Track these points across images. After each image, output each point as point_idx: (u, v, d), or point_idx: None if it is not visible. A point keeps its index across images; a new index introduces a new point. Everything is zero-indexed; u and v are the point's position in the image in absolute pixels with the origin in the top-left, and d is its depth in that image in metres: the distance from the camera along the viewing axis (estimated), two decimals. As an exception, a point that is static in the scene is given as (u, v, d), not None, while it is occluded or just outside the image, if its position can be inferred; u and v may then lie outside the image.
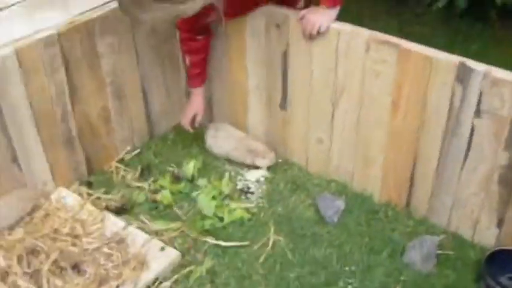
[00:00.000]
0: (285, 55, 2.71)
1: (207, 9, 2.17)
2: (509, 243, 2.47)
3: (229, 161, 3.01)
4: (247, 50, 2.84)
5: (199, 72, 2.93)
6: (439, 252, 2.50)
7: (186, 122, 3.04)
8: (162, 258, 2.46)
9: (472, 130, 2.33)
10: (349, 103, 2.60)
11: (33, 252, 2.42)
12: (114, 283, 2.36)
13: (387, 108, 2.51)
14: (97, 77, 2.78)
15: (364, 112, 2.59)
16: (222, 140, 3.04)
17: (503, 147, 2.30)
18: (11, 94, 2.48)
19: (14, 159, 2.60)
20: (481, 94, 2.24)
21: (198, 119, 3.03)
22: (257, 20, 2.71)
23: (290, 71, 2.72)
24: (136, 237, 2.56)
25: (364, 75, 2.51)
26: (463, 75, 2.26)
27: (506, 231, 2.48)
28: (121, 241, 2.54)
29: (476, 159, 2.39)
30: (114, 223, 2.63)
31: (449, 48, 2.40)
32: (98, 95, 2.82)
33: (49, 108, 2.64)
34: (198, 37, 2.82)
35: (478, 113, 2.28)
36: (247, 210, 2.71)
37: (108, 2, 2.73)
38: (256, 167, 2.94)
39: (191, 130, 3.05)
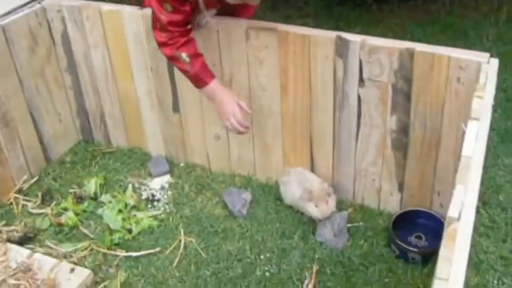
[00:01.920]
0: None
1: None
2: (412, 205, 2.55)
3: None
4: (131, 56, 2.80)
5: (202, 61, 2.38)
6: (350, 225, 2.55)
7: (237, 121, 2.37)
8: (73, 279, 2.38)
9: (359, 99, 2.39)
10: (240, 95, 2.60)
11: None
12: (25, 313, 2.27)
13: (277, 93, 2.54)
14: (-20, 105, 2.68)
15: (256, 101, 2.61)
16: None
17: (390, 112, 2.36)
18: None
19: None
20: (361, 63, 2.30)
21: (245, 106, 2.40)
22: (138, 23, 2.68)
23: (176, 72, 2.70)
24: (44, 263, 2.46)
25: (249, 64, 2.53)
26: (341, 48, 2.31)
27: (407, 194, 2.56)
28: (27, 269, 2.43)
29: (367, 127, 2.45)
30: (19, 253, 2.52)
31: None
32: (-16, 125, 2.72)
33: None
34: (182, 29, 2.34)
35: (361, 82, 2.34)
36: (154, 217, 2.67)
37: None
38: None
39: (246, 127, 2.41)
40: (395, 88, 2.30)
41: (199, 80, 2.40)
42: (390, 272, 2.37)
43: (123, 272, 2.43)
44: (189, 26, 2.37)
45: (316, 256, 2.44)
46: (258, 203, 2.70)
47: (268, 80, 2.52)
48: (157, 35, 2.35)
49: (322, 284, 2.32)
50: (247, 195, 2.68)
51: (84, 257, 2.53)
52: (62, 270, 2.42)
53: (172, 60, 2.39)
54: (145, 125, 3.00)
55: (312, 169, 2.68)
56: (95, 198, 2.82)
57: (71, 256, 2.52)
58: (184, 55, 2.33)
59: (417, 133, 2.37)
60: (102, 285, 2.39)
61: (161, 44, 2.36)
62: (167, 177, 2.91)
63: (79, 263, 2.48)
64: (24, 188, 2.93)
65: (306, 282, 2.32)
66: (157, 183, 2.89)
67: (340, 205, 2.65)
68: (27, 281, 2.37)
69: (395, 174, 2.52)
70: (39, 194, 2.87)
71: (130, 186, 2.85)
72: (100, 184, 2.87)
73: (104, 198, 2.80)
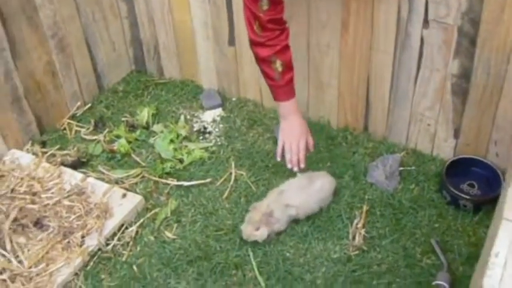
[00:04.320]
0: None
1: None
2: (466, 152, 2.51)
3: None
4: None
5: (292, 75, 2.28)
6: (401, 169, 2.53)
7: (297, 151, 2.31)
8: (125, 204, 2.43)
9: (422, 41, 2.33)
10: (298, 28, 2.56)
11: (-10, 214, 2.36)
12: (78, 234, 2.31)
13: (337, 30, 2.48)
14: (37, 30, 2.68)
15: (314, 38, 2.56)
16: None
17: (453, 56, 2.30)
18: None
19: (-39, 123, 2.52)
20: (427, 3, 2.23)
21: (311, 143, 2.38)
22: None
23: (234, 4, 2.66)
24: (97, 187, 2.51)
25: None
26: (408, -14, 2.25)
27: (462, 141, 2.51)
28: (81, 192, 2.49)
29: (428, 70, 2.39)
30: (72, 176, 2.57)
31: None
32: (41, 49, 2.73)
33: (-9, 67, 2.55)
34: (283, 26, 2.20)
35: (425, 23, 2.28)
36: (206, 149, 2.68)
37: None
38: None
39: (295, 168, 2.34)
40: (460, 31, 2.23)
41: (282, 93, 2.28)
42: (440, 218, 2.35)
43: (173, 200, 2.46)
44: (287, 25, 2.22)
45: (367, 197, 2.43)
46: (310, 142, 2.69)
47: (329, 16, 2.47)
48: (252, 35, 2.17)
49: (371, 225, 2.32)
50: (299, 133, 2.67)
51: (136, 183, 2.56)
52: (114, 195, 2.47)
53: (263, 63, 2.22)
54: (199, 58, 2.99)
55: (367, 111, 2.65)
56: (146, 127, 2.84)
57: (123, 182, 2.56)
58: (279, 63, 2.19)
59: (479, 79, 2.31)
60: (152, 211, 2.43)
61: (257, 44, 2.18)
62: (219, 111, 2.92)
63: (130, 189, 2.52)
64: (78, 115, 2.97)
65: (355, 221, 2.32)
66: (209, 116, 2.89)
67: (393, 148, 2.63)
68: (81, 203, 2.42)
69: (452, 120, 2.47)
70: (92, 121, 2.91)
71: (182, 117, 2.87)
72: (152, 114, 2.89)
73: (156, 127, 2.82)
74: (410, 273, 2.16)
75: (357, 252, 2.23)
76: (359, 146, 2.66)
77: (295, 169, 2.33)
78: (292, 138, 2.31)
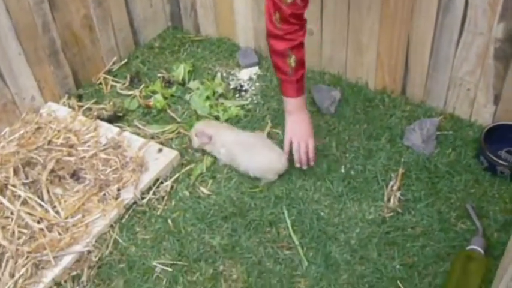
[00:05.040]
0: None
1: None
2: (506, 119, 2.47)
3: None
4: None
5: (304, 73, 2.27)
6: (439, 133, 2.50)
7: (306, 150, 2.31)
8: (160, 158, 2.44)
9: (466, 3, 2.28)
10: (338, -8, 2.53)
11: (29, 164, 2.39)
12: (114, 187, 2.34)
13: (379, -9, 2.45)
14: (76, -18, 2.69)
15: (355, -1, 2.53)
16: None
17: (498, 19, 2.25)
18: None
19: (-1, 74, 2.53)
20: (474, -36, 2.19)
21: (312, 145, 2.33)
22: None
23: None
24: (133, 141, 2.53)
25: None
26: None
27: (502, 108, 2.47)
28: (117, 146, 2.50)
29: (470, 34, 2.35)
30: (109, 130, 2.59)
31: None
32: (79, 2, 2.73)
33: (29, 19, 2.55)
34: (302, 22, 2.18)
35: (471, -16, 2.23)
36: (242, 107, 2.68)
37: None
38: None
39: (304, 167, 2.36)
40: (507, -7, 2.19)
41: (292, 89, 2.26)
42: (477, 184, 2.33)
43: (209, 157, 2.46)
44: (306, 22, 2.19)
45: (403, 160, 2.41)
46: (347, 102, 2.66)
47: (372, -24, 2.44)
48: (271, 26, 2.13)
49: (407, 187, 2.31)
50: (336, 93, 2.65)
51: (171, 139, 2.57)
52: (150, 150, 2.49)
53: (278, 56, 2.19)
54: (237, 16, 2.96)
55: (405, 74, 2.61)
56: (182, 83, 2.84)
57: (158, 137, 2.57)
58: (293, 58, 2.17)
59: (524, 44, 2.27)
60: (188, 167, 2.44)
61: (274, 36, 2.15)
62: (255, 69, 2.90)
63: (166, 144, 2.53)
64: (114, 70, 2.98)
65: (391, 183, 2.31)
66: (246, 74, 2.88)
67: (431, 112, 2.60)
68: (117, 157, 2.44)
69: (492, 85, 2.43)
70: (128, 76, 2.92)
71: (218, 74, 2.86)
72: (188, 71, 2.88)
73: (192, 84, 2.82)
74: (444, 237, 2.15)
75: (391, 214, 2.22)
76: (396, 109, 2.63)
77: (304, 167, 2.34)
78: (300, 137, 2.30)
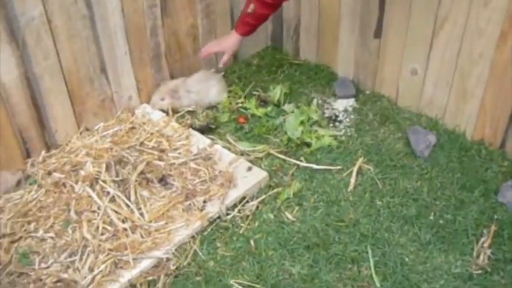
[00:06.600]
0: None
1: None
2: None
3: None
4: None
5: (254, 24, 2.60)
6: (537, 194, 2.41)
7: (205, 52, 2.75)
8: (249, 177, 2.43)
9: None
10: (451, 33, 2.47)
11: (120, 162, 2.42)
12: (201, 198, 2.34)
13: (494, 40, 2.38)
14: (189, -7, 2.73)
15: (467, 43, 2.47)
16: None
17: None
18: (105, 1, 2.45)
19: (103, 70, 2.58)
20: None
21: (225, 58, 2.70)
22: None
23: (387, -2, 2.62)
24: (224, 155, 2.53)
25: (471, 3, 2.38)
26: None
27: None
28: (208, 158, 2.51)
29: None
30: (201, 140, 2.60)
31: None
32: (189, 11, 2.77)
33: (140, 20, 2.60)
34: None
35: None
36: (335, 137, 2.65)
37: None
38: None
39: (202, 57, 2.80)
40: None
41: (240, 24, 2.61)
42: None
43: (297, 183, 2.44)
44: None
45: (496, 216, 2.33)
46: (442, 148, 2.60)
47: (488, 24, 2.37)
48: None
49: (498, 246, 2.22)
50: (432, 137, 2.59)
51: (261, 158, 2.57)
52: (240, 167, 2.48)
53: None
54: (340, 45, 2.94)
55: (508, 127, 2.52)
56: (278, 105, 2.84)
57: (249, 155, 2.57)
58: (252, 6, 2.50)
59: None
60: (275, 190, 2.43)
61: None
62: (352, 101, 2.87)
63: (255, 163, 2.52)
64: (209, 81, 3.00)
65: (482, 239, 2.23)
66: (341, 105, 2.86)
67: (530, 171, 2.52)
68: (207, 169, 2.45)
69: None
70: (223, 89, 2.93)
71: (315, 101, 2.84)
72: (285, 93, 2.87)
73: (287, 107, 2.81)
74: (532, 304, 2.07)
75: (479, 271, 2.14)
76: (493, 162, 2.55)
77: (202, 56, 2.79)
78: (212, 44, 2.75)
